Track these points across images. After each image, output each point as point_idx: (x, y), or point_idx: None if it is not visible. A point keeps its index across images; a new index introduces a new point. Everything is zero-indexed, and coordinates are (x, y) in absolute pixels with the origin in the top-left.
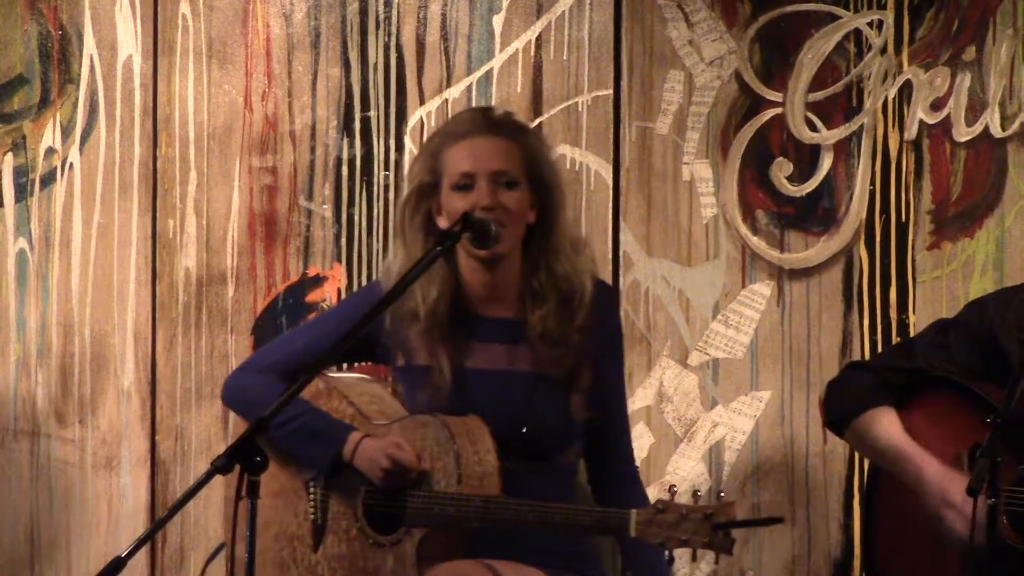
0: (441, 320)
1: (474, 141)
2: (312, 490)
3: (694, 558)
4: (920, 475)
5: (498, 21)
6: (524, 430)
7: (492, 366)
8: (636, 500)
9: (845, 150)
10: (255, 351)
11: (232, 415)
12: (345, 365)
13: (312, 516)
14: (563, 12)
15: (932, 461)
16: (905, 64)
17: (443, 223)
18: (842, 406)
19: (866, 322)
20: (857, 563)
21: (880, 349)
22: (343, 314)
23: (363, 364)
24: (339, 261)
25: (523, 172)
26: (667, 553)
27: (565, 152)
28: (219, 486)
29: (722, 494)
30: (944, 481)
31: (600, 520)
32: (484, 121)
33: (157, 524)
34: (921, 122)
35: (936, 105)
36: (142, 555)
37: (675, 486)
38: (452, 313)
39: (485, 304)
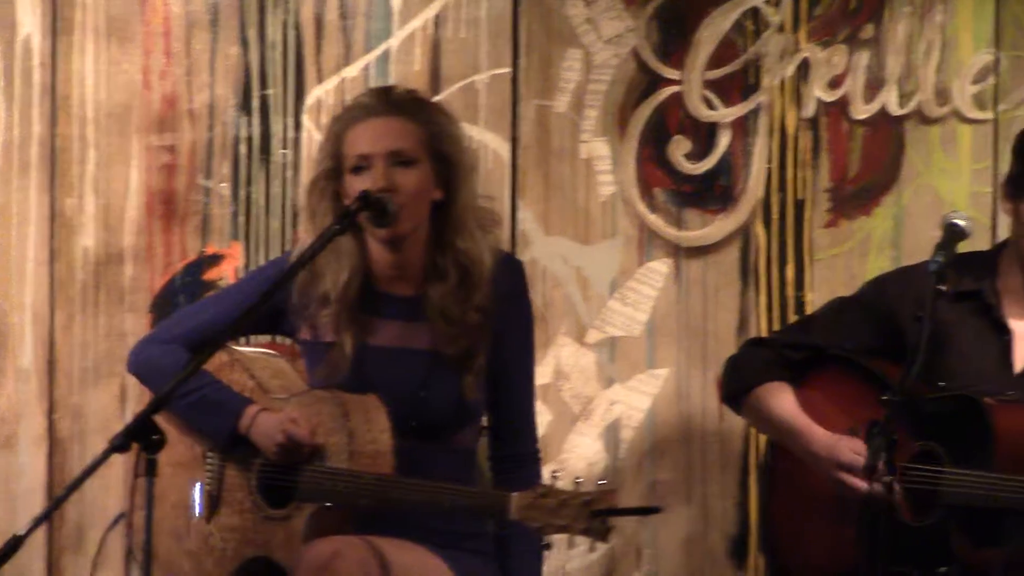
0: (350, 299)
1: (370, 123)
2: (209, 461)
3: (571, 545)
4: (809, 447)
5: None
6: (413, 424)
7: (391, 343)
8: (529, 482)
9: (743, 128)
10: (161, 322)
11: (130, 395)
12: (254, 339)
13: (208, 487)
14: None
15: (820, 431)
16: (802, 42)
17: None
18: (738, 381)
19: (763, 300)
20: (754, 540)
21: (777, 327)
22: (251, 287)
23: (271, 339)
24: (237, 239)
25: (424, 149)
26: (544, 539)
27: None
28: (117, 464)
29: (602, 481)
30: (833, 447)
31: (483, 502)
32: (381, 101)
33: (55, 502)
34: (818, 100)
35: (833, 83)
36: (40, 533)
37: (557, 471)
38: (360, 290)
39: (390, 282)
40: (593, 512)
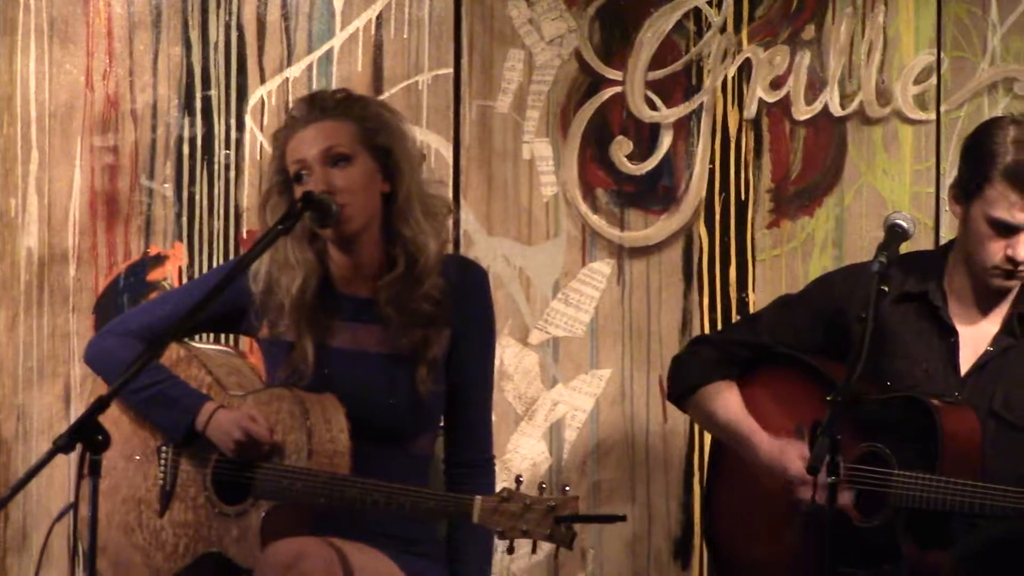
0: (308, 305)
1: (305, 131)
2: (163, 455)
3: (534, 550)
4: (755, 454)
5: (339, 0)
6: (372, 427)
7: (350, 345)
8: (480, 488)
9: (685, 129)
10: (120, 315)
11: (74, 394)
12: (212, 337)
13: (161, 481)
14: None
15: (765, 438)
16: (744, 43)
17: None
18: (684, 380)
19: (706, 300)
20: (697, 541)
21: (720, 327)
22: (209, 284)
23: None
24: (180, 240)
25: (361, 144)
26: (509, 543)
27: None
28: (62, 463)
29: (567, 488)
30: (780, 458)
31: (444, 504)
32: (311, 108)
33: None
34: (760, 100)
35: (775, 83)
36: None
37: (521, 476)
38: (318, 293)
39: (348, 283)
40: (557, 518)
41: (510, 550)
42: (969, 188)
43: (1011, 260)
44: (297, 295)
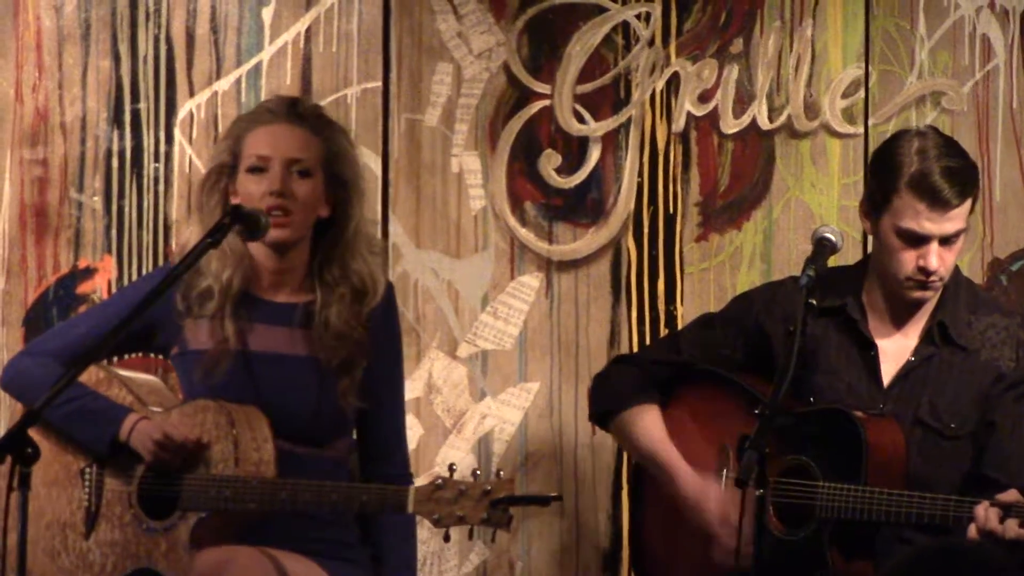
0: (233, 300)
1: (276, 127)
2: (87, 477)
3: (471, 536)
4: (674, 484)
5: (267, 13)
6: (291, 428)
7: (271, 349)
8: None
9: (613, 142)
10: (36, 337)
11: (2, 408)
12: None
13: (86, 503)
14: (332, 4)
15: (685, 471)
16: (673, 56)
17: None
18: (606, 402)
19: (634, 314)
20: (626, 553)
21: (648, 341)
22: (125, 301)
23: (136, 357)
24: (109, 253)
25: (320, 165)
26: (445, 531)
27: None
28: None
29: (500, 472)
30: (698, 500)
31: (378, 497)
32: (288, 110)
33: None
34: (689, 114)
35: (704, 97)
36: None
37: (455, 464)
38: (243, 287)
39: (271, 288)
40: (493, 501)
41: (446, 538)
42: (877, 201)
43: (923, 270)
44: (226, 282)
